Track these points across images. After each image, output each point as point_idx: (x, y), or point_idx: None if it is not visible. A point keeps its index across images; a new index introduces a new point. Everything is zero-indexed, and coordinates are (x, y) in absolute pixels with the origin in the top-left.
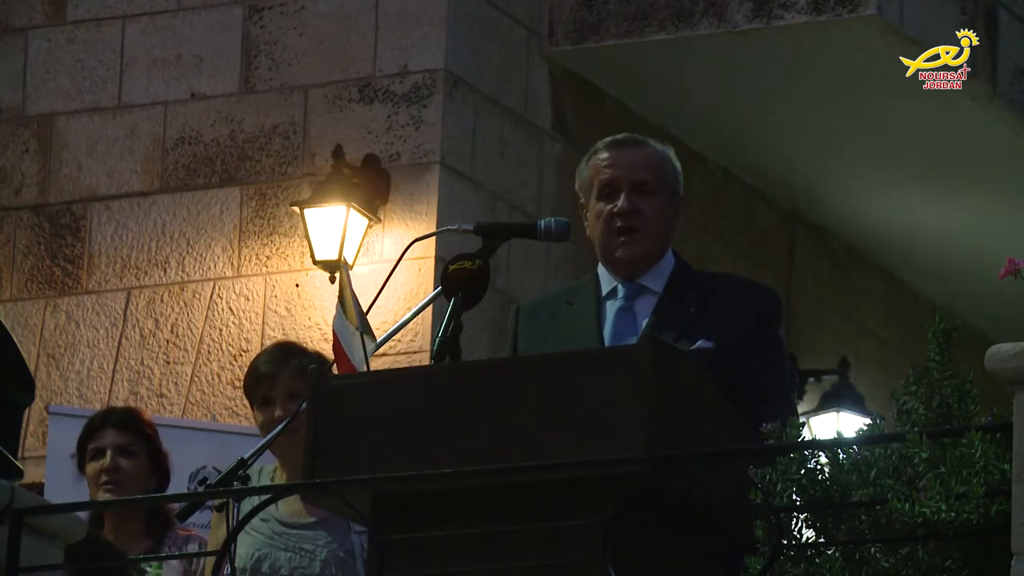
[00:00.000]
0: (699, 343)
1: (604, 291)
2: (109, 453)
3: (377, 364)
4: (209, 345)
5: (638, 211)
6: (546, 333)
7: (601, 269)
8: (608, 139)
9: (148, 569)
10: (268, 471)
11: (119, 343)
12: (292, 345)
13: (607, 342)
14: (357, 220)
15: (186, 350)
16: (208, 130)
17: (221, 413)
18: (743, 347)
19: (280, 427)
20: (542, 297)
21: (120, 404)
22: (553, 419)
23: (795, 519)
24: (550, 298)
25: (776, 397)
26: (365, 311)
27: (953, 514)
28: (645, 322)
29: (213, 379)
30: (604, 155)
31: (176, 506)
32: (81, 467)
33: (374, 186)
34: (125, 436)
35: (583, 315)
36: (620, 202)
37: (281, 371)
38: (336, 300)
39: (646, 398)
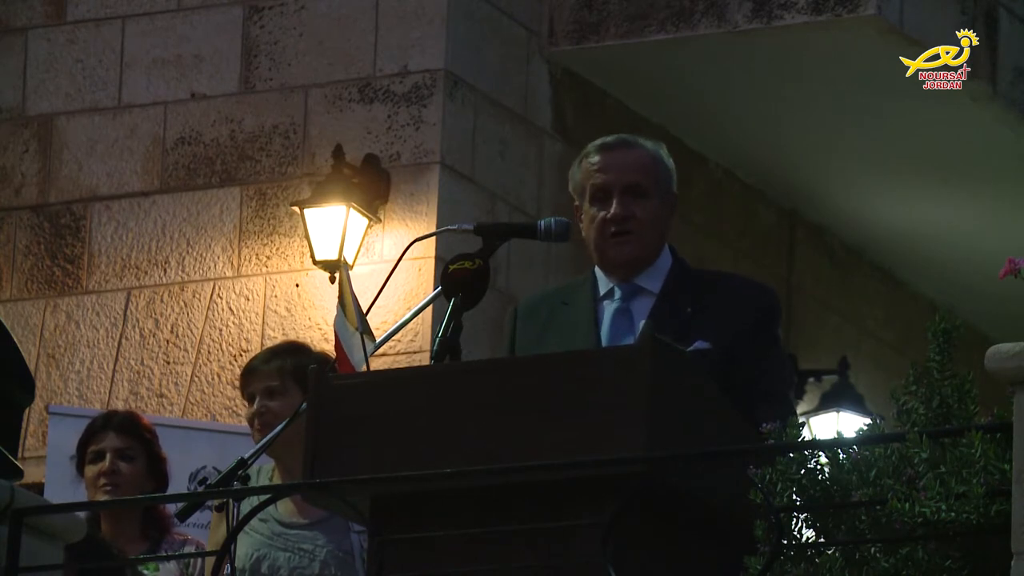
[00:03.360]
0: (696, 344)
1: (601, 291)
2: (108, 456)
3: (377, 364)
4: (209, 345)
5: (632, 216)
6: (543, 333)
7: (598, 269)
8: (599, 141)
9: (145, 572)
10: (267, 471)
11: (119, 343)
12: (291, 344)
13: (604, 344)
14: (357, 220)
15: (186, 350)
16: (208, 130)
17: (221, 413)
18: (741, 347)
19: (280, 427)
20: (539, 296)
21: (120, 404)
22: (553, 419)
23: (795, 519)
24: (547, 297)
25: (775, 398)
26: (365, 311)
27: (953, 514)
28: (642, 323)
29: (213, 379)
30: (595, 159)
31: (174, 508)
32: (80, 469)
33: (374, 186)
34: (125, 440)
35: (580, 316)
36: (613, 208)
37: (263, 367)
38: (337, 300)
39: (646, 398)
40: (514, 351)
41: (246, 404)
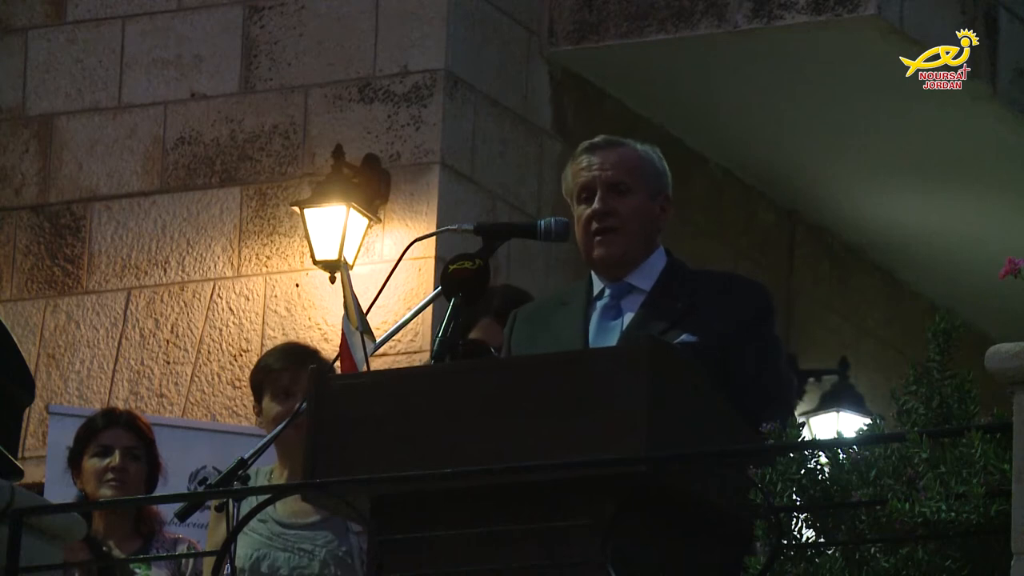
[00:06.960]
0: (682, 337)
1: (595, 292)
2: (119, 453)
3: (377, 364)
4: (209, 345)
5: (613, 212)
6: (537, 334)
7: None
8: (587, 142)
9: (137, 570)
10: (266, 471)
11: (119, 343)
12: (306, 347)
13: (591, 339)
14: (357, 220)
15: (186, 350)
16: (208, 130)
17: (221, 413)
18: (733, 343)
19: (280, 427)
20: (538, 302)
21: (120, 404)
22: (553, 419)
23: (795, 519)
24: (546, 301)
25: (771, 397)
26: (365, 311)
27: (953, 514)
28: (629, 316)
29: (213, 379)
30: (582, 159)
31: (173, 507)
32: (72, 461)
33: (374, 186)
34: (133, 439)
35: (572, 316)
36: (595, 204)
37: (300, 368)
38: (342, 300)
39: (646, 398)
40: (509, 354)
41: (271, 402)
